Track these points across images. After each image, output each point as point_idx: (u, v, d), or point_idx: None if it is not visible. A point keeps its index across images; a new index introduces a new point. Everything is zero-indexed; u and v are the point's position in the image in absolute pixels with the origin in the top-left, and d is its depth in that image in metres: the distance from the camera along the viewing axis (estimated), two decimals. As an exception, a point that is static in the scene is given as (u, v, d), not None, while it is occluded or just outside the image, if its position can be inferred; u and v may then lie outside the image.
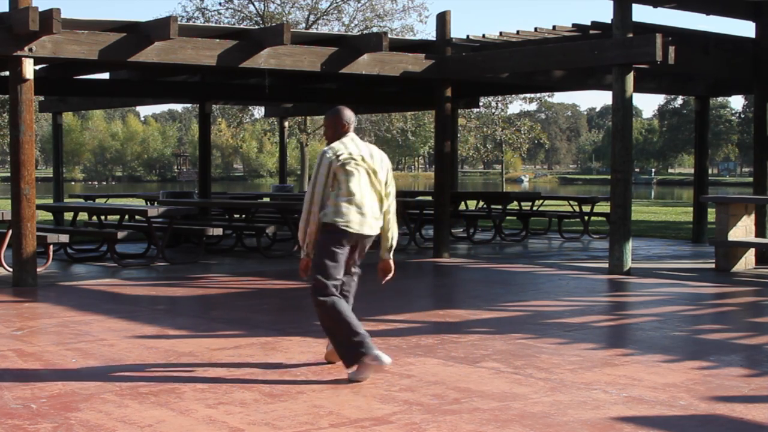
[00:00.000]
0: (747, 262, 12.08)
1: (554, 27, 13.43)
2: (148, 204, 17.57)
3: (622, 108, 11.42)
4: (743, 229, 12.01)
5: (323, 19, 35.24)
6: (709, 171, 31.49)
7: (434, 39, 14.02)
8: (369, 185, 5.87)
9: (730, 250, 11.90)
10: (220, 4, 34.35)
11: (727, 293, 10.11)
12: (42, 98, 19.37)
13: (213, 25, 31.02)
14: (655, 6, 12.55)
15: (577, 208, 18.12)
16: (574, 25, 13.22)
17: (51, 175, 21.67)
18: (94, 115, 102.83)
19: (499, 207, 17.34)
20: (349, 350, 5.64)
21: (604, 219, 17.51)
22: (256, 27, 28.67)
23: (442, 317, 8.24)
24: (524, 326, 7.71)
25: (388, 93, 18.23)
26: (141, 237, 14.20)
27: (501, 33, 13.94)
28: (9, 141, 11.05)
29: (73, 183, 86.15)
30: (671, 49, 11.40)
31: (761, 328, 7.83)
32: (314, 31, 29.91)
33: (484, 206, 17.57)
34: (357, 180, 5.79)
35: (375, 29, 33.64)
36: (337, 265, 5.75)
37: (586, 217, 17.54)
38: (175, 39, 10.69)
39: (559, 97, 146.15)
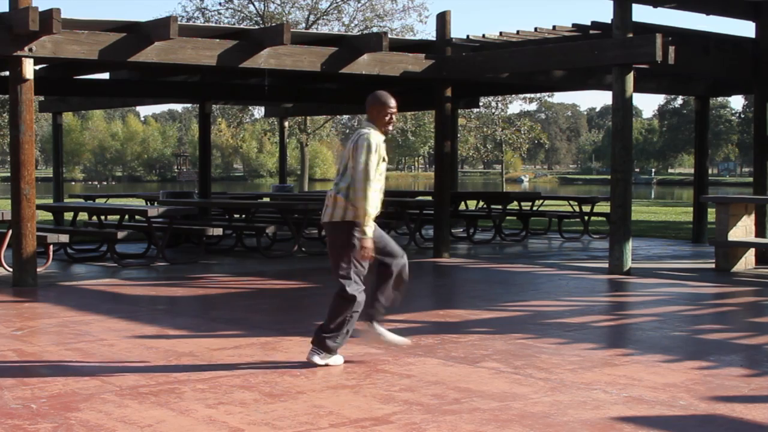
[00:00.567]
0: (747, 262, 12.08)
1: (554, 27, 13.42)
2: (148, 204, 17.57)
3: (622, 108, 11.42)
4: (743, 229, 12.01)
5: (323, 19, 35.26)
6: (709, 171, 31.50)
7: (434, 39, 14.02)
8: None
9: (730, 250, 11.90)
10: (220, 4, 34.41)
11: (727, 293, 10.11)
12: (42, 98, 19.37)
13: (213, 25, 31.03)
14: (655, 6, 12.55)
15: (577, 208, 18.13)
16: (574, 25, 13.22)
17: (51, 175, 21.67)
18: (94, 115, 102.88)
19: (499, 207, 17.34)
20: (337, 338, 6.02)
21: (604, 219, 17.51)
22: (256, 27, 28.67)
23: (442, 317, 8.24)
24: (524, 326, 7.71)
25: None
26: (141, 237, 14.20)
27: (501, 33, 13.93)
28: (9, 141, 11.05)
29: (73, 183, 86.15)
30: (671, 49, 11.40)
31: (761, 328, 7.82)
32: (314, 31, 29.92)
33: (484, 206, 17.57)
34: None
35: (375, 29, 33.65)
36: None
37: (586, 217, 17.54)
38: (175, 39, 10.70)
39: (559, 97, 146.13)
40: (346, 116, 60.01)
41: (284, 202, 15.02)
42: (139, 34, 10.82)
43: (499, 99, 41.47)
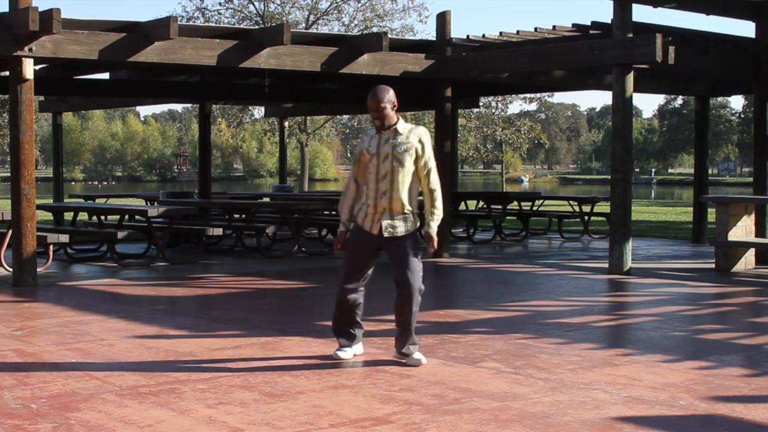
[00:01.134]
0: (747, 262, 12.08)
1: (554, 27, 13.43)
2: (148, 204, 17.57)
3: (622, 108, 11.42)
4: (743, 229, 12.01)
5: (323, 19, 35.26)
6: (709, 171, 31.50)
7: (434, 39, 14.02)
8: None
9: (730, 250, 11.91)
10: (220, 4, 34.41)
11: (727, 293, 10.11)
12: (42, 98, 19.37)
13: (213, 25, 31.03)
14: (655, 6, 12.55)
15: (577, 208, 18.13)
16: (574, 25, 13.22)
17: (51, 175, 21.66)
18: (94, 115, 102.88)
19: (499, 207, 17.34)
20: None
21: (604, 219, 17.51)
22: (256, 27, 28.67)
23: (442, 317, 8.24)
24: (524, 326, 7.71)
25: (388, 93, 18.20)
26: (141, 237, 14.20)
27: (501, 33, 13.93)
28: (9, 141, 11.06)
29: (73, 183, 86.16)
30: (671, 49, 11.40)
31: (761, 328, 7.82)
32: (314, 31, 29.92)
33: (484, 206, 17.57)
34: None
35: (375, 29, 33.65)
36: None
37: (586, 217, 17.54)
38: (175, 39, 10.70)
39: (559, 97, 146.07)
40: (346, 116, 59.97)
41: (284, 202, 15.02)
42: (139, 34, 10.82)
43: (499, 99, 41.45)
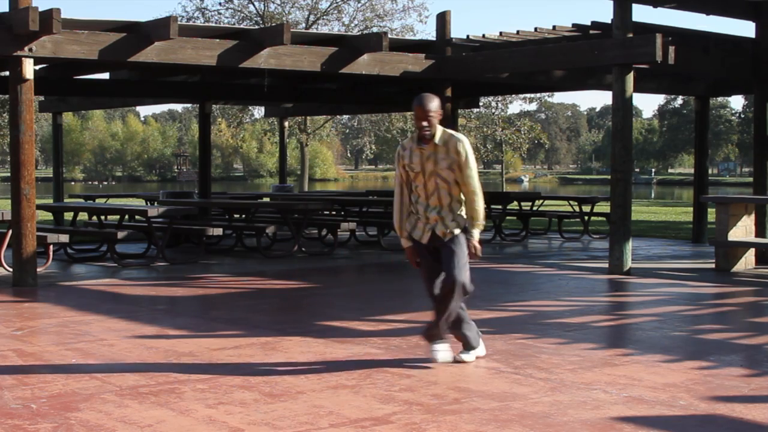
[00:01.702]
0: (747, 262, 12.08)
1: (554, 27, 13.43)
2: (148, 204, 17.57)
3: (622, 108, 11.42)
4: (743, 229, 12.01)
5: (323, 19, 35.25)
6: (709, 171, 31.50)
7: (434, 39, 14.02)
8: None
9: (730, 250, 11.90)
10: (220, 4, 34.40)
11: (727, 293, 10.11)
12: (42, 98, 19.37)
13: (213, 25, 31.03)
14: (655, 6, 12.55)
15: (577, 208, 18.13)
16: (574, 25, 13.22)
17: (51, 175, 21.66)
18: (94, 115, 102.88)
19: (499, 207, 17.33)
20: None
21: (604, 219, 17.51)
22: (256, 27, 28.67)
23: (442, 317, 8.22)
24: (524, 326, 7.71)
25: (388, 93, 18.23)
26: (141, 237, 14.20)
27: (501, 33, 13.93)
28: (9, 141, 11.05)
29: (73, 183, 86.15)
30: (671, 49, 11.40)
31: (761, 328, 7.82)
32: (314, 31, 29.92)
33: (484, 206, 17.55)
34: None
35: (375, 29, 33.65)
36: None
37: (586, 217, 17.54)
38: (175, 39, 10.70)
39: (559, 97, 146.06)
40: (346, 116, 59.97)
41: (284, 202, 15.02)
42: (139, 34, 10.82)
43: (499, 99, 41.46)
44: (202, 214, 16.12)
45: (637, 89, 12.39)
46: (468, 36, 14.01)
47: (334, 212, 17.35)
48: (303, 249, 13.89)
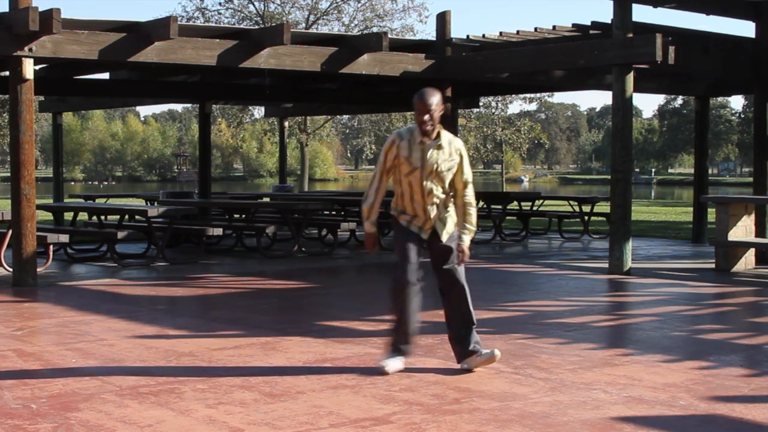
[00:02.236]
0: (747, 262, 12.08)
1: (554, 27, 13.42)
2: (148, 204, 17.56)
3: (622, 108, 11.42)
4: (743, 229, 12.00)
5: (323, 19, 35.25)
6: (709, 171, 31.50)
7: (434, 39, 14.02)
8: None
9: (730, 250, 11.90)
10: (220, 4, 34.40)
11: (727, 293, 10.11)
12: (42, 98, 19.37)
13: (213, 25, 31.03)
14: (655, 6, 12.55)
15: (577, 208, 18.12)
16: (574, 25, 13.22)
17: (51, 175, 21.66)
18: (94, 115, 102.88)
19: (499, 207, 17.33)
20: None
21: (604, 219, 17.51)
22: (256, 27, 28.67)
23: (442, 317, 8.20)
24: (524, 326, 7.72)
25: (388, 93, 18.23)
26: (141, 237, 14.20)
27: (501, 33, 13.93)
28: (9, 141, 11.06)
29: (73, 183, 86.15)
30: (671, 49, 11.40)
31: (761, 328, 7.82)
32: (314, 31, 29.92)
33: (484, 206, 17.57)
34: None
35: (375, 29, 33.64)
36: None
37: (586, 217, 17.54)
38: (175, 39, 10.70)
39: (559, 97, 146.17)
40: (346, 116, 59.99)
41: (284, 202, 15.02)
42: (139, 34, 10.82)
43: (499, 99, 41.44)
44: (202, 214, 16.12)
45: (637, 89, 12.39)
46: (468, 36, 14.01)
47: (334, 212, 17.34)
48: (303, 249, 13.89)
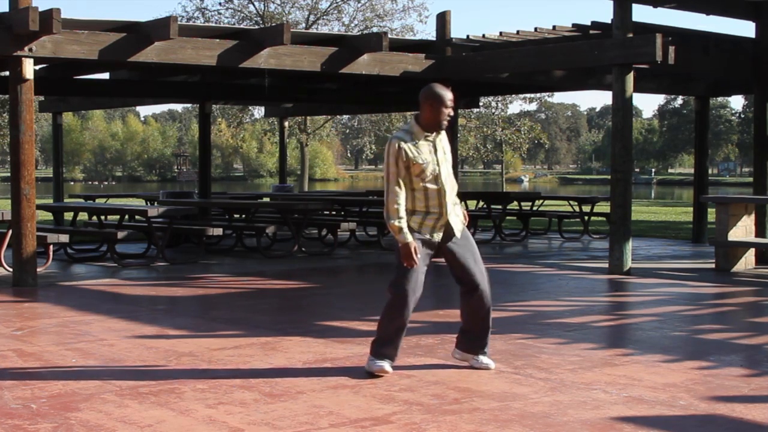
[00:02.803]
0: (747, 262, 12.08)
1: (554, 27, 13.42)
2: (148, 204, 17.56)
3: (622, 108, 11.42)
4: (743, 229, 12.00)
5: (323, 19, 35.26)
6: (709, 171, 31.50)
7: (434, 39, 14.02)
8: None
9: (730, 250, 11.90)
10: (220, 4, 34.42)
11: (727, 293, 10.10)
12: (42, 98, 19.37)
13: (213, 25, 31.03)
14: (655, 6, 12.55)
15: (577, 208, 18.12)
16: (574, 25, 13.22)
17: (51, 175, 21.66)
18: (94, 115, 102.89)
19: (499, 207, 17.34)
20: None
21: (604, 219, 17.51)
22: (256, 27, 28.67)
23: (442, 317, 8.23)
24: (524, 326, 7.71)
25: (388, 93, 18.23)
26: (141, 237, 14.20)
27: (501, 33, 13.93)
28: (9, 141, 11.05)
29: (73, 183, 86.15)
30: (671, 49, 11.40)
31: (761, 328, 7.82)
32: (314, 31, 29.92)
33: (484, 206, 17.57)
34: None
35: (375, 29, 33.65)
36: None
37: (586, 217, 17.54)
38: (175, 39, 10.70)
39: (559, 97, 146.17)
40: (346, 116, 59.99)
41: (284, 202, 15.02)
42: (139, 34, 10.82)
43: (499, 99, 41.45)
44: (202, 214, 16.12)
45: (637, 89, 12.39)
46: (468, 36, 14.00)
47: (334, 212, 17.34)
48: (303, 249, 13.89)
